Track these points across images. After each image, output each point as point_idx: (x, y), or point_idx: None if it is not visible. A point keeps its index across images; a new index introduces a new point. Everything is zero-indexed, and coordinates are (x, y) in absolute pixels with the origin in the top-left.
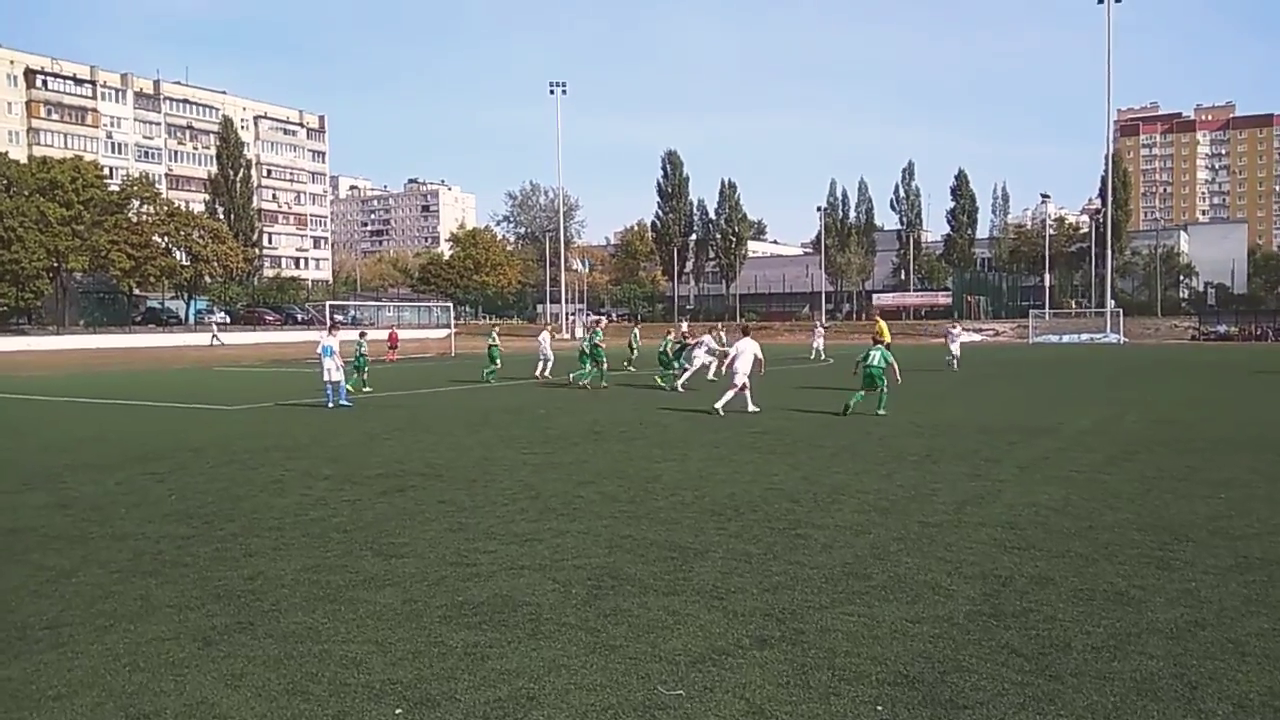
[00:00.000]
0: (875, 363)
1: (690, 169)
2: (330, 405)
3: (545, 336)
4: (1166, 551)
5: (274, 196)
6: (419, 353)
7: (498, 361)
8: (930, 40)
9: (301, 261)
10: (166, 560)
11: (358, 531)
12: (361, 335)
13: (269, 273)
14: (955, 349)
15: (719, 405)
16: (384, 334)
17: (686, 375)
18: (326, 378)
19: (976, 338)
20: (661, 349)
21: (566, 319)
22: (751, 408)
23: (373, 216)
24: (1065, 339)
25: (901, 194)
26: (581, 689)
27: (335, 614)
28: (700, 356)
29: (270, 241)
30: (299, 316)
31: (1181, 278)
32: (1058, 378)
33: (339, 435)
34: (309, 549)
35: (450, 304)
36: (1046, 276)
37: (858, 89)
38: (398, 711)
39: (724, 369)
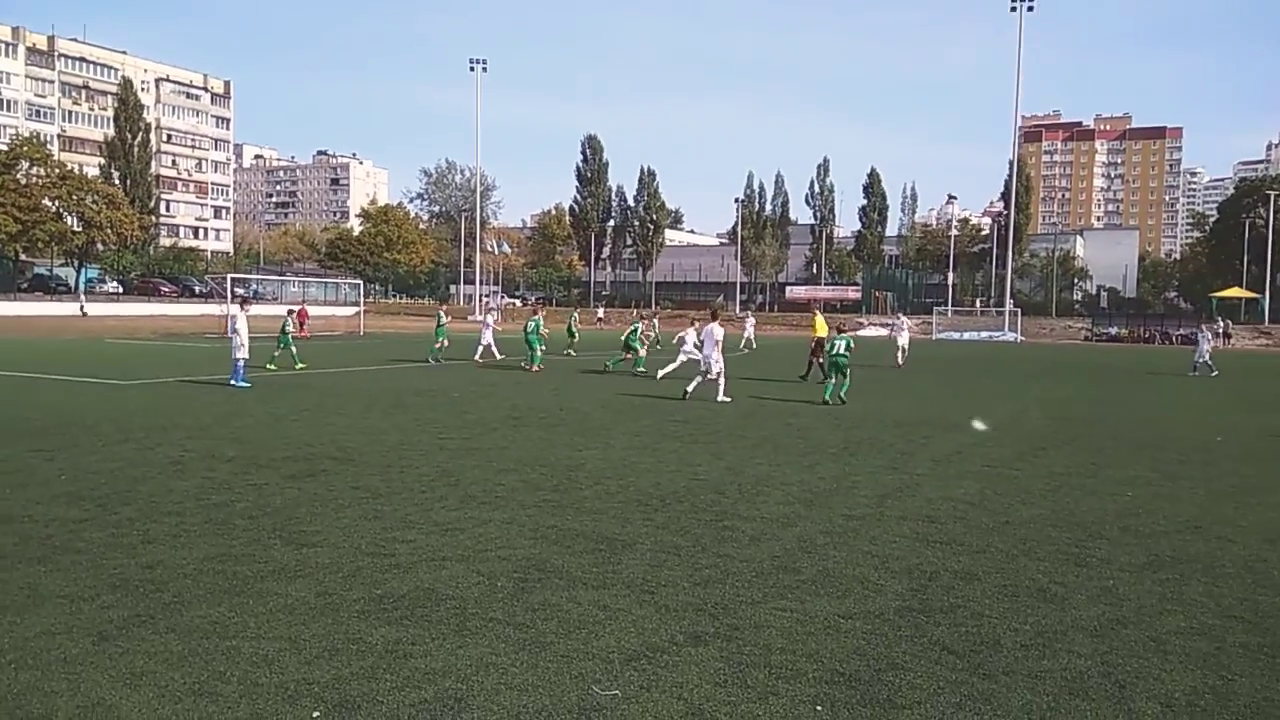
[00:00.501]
0: (840, 351)
1: (610, 155)
2: (235, 383)
3: (490, 319)
4: (1082, 548)
5: (174, 163)
6: (326, 331)
7: (444, 339)
8: (848, 42)
9: (201, 231)
10: (56, 546)
11: (265, 518)
12: (290, 313)
13: (166, 242)
14: (904, 341)
15: (696, 391)
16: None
17: (672, 368)
18: (234, 354)
19: (884, 332)
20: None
21: (481, 301)
22: (722, 397)
23: (278, 188)
24: (966, 336)
25: (816, 189)
26: (512, 689)
27: (243, 607)
28: (688, 351)
29: (168, 210)
30: (197, 289)
31: (1076, 280)
32: (962, 374)
33: (243, 415)
34: (213, 536)
35: (360, 282)
36: (950, 275)
37: (777, 85)
38: (315, 715)
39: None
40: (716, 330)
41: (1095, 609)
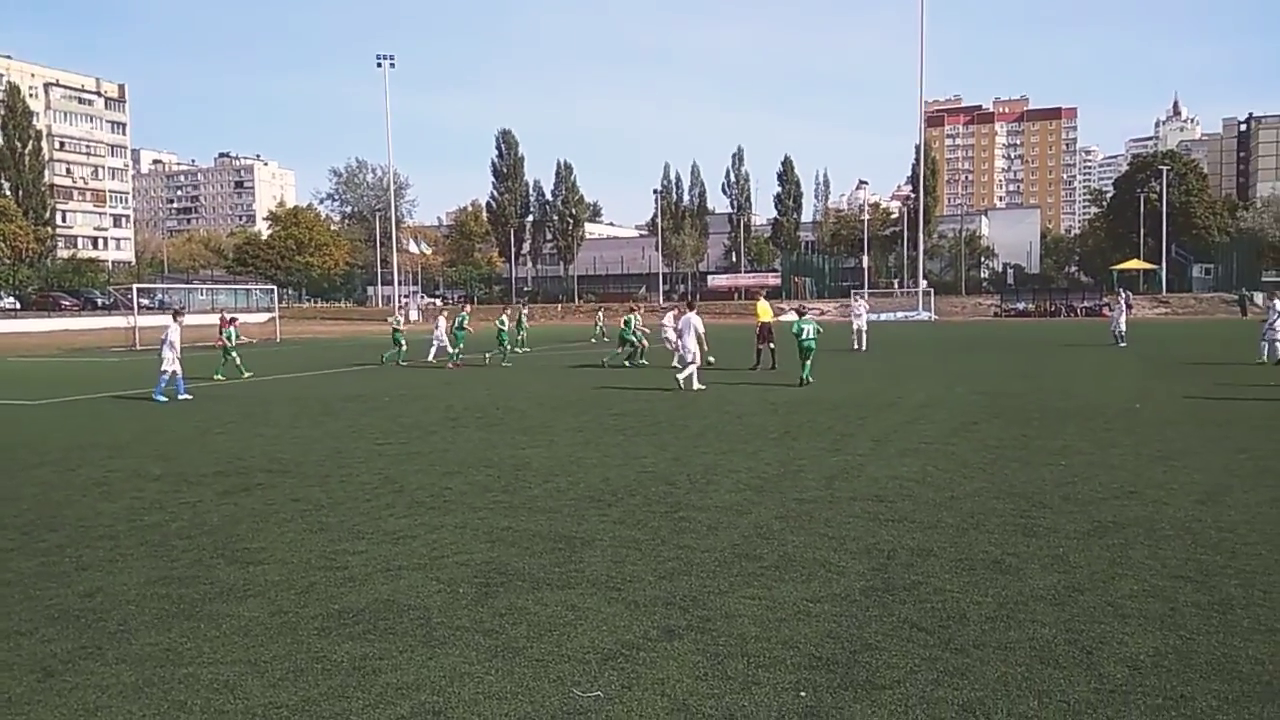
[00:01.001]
0: (809, 335)
1: (526, 149)
2: (160, 397)
3: (441, 321)
4: (1028, 519)
5: (68, 171)
6: (241, 339)
7: (403, 344)
8: (757, 32)
9: (100, 242)
10: None
11: (204, 537)
12: (232, 322)
13: (64, 254)
14: (861, 324)
15: (685, 383)
16: (252, 319)
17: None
18: (164, 368)
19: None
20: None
21: (399, 302)
22: (696, 385)
23: (180, 193)
24: (883, 317)
25: (733, 178)
26: (491, 698)
27: (195, 631)
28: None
29: (65, 220)
30: (99, 301)
31: (983, 259)
32: (885, 353)
33: (165, 430)
34: (151, 559)
35: (272, 287)
36: (865, 258)
37: (690, 76)
38: None
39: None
40: (695, 320)
41: (1050, 578)
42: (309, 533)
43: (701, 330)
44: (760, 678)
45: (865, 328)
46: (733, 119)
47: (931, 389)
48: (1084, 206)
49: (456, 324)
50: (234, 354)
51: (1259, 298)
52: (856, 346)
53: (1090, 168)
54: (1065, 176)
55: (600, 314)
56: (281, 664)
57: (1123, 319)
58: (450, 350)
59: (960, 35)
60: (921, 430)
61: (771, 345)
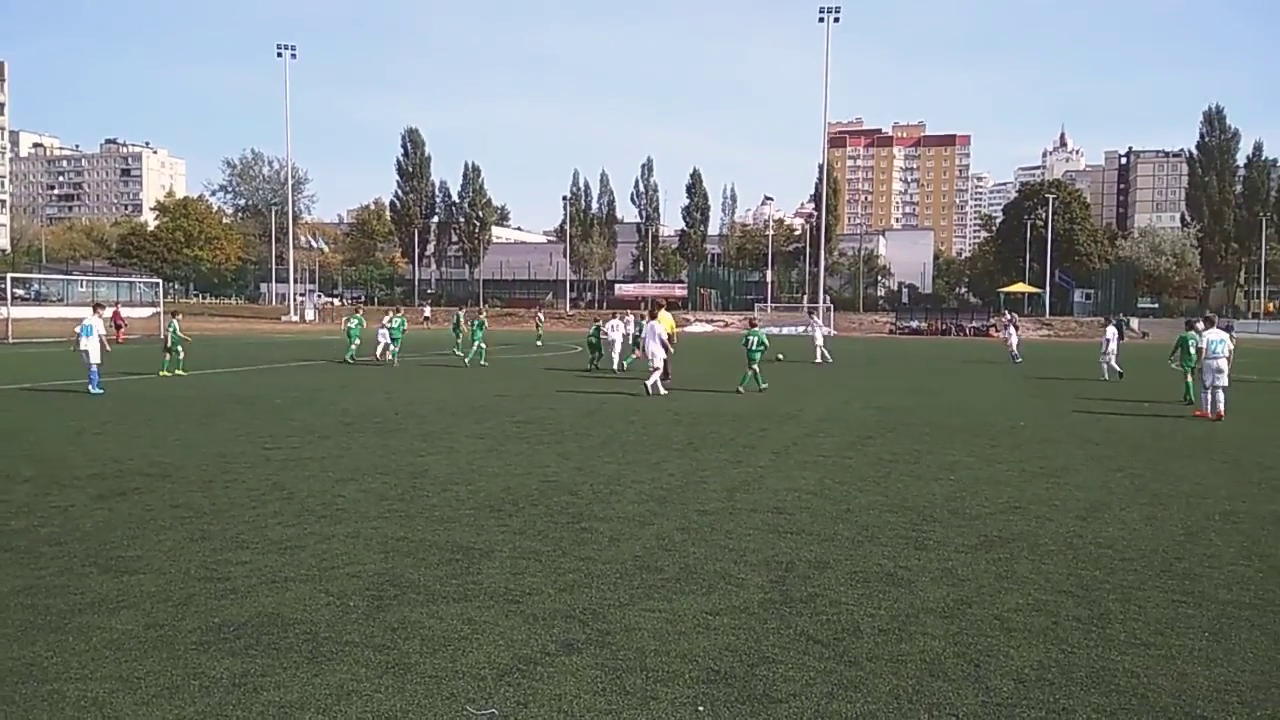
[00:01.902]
0: (754, 346)
1: (432, 150)
2: (95, 388)
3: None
4: (919, 532)
5: None
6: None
7: (356, 340)
8: (670, 44)
9: None
10: None
11: (74, 543)
12: (175, 315)
13: None
14: (819, 339)
15: (652, 389)
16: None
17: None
18: (92, 358)
19: (709, 328)
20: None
21: (295, 300)
22: (662, 390)
23: (61, 179)
24: (785, 330)
25: (641, 189)
26: (380, 717)
27: (62, 645)
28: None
29: None
30: None
31: (880, 278)
32: (785, 368)
33: (35, 430)
34: (17, 566)
35: (158, 281)
36: (769, 273)
37: (600, 84)
38: None
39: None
40: (658, 327)
41: (940, 590)
42: (189, 541)
43: (665, 335)
44: (658, 692)
45: (823, 343)
46: (643, 130)
47: (829, 403)
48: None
49: (476, 324)
50: (179, 349)
51: (1134, 323)
52: (820, 360)
53: (981, 193)
54: (958, 201)
55: (541, 316)
56: (155, 680)
57: (1014, 339)
58: (394, 350)
59: (864, 60)
60: (820, 443)
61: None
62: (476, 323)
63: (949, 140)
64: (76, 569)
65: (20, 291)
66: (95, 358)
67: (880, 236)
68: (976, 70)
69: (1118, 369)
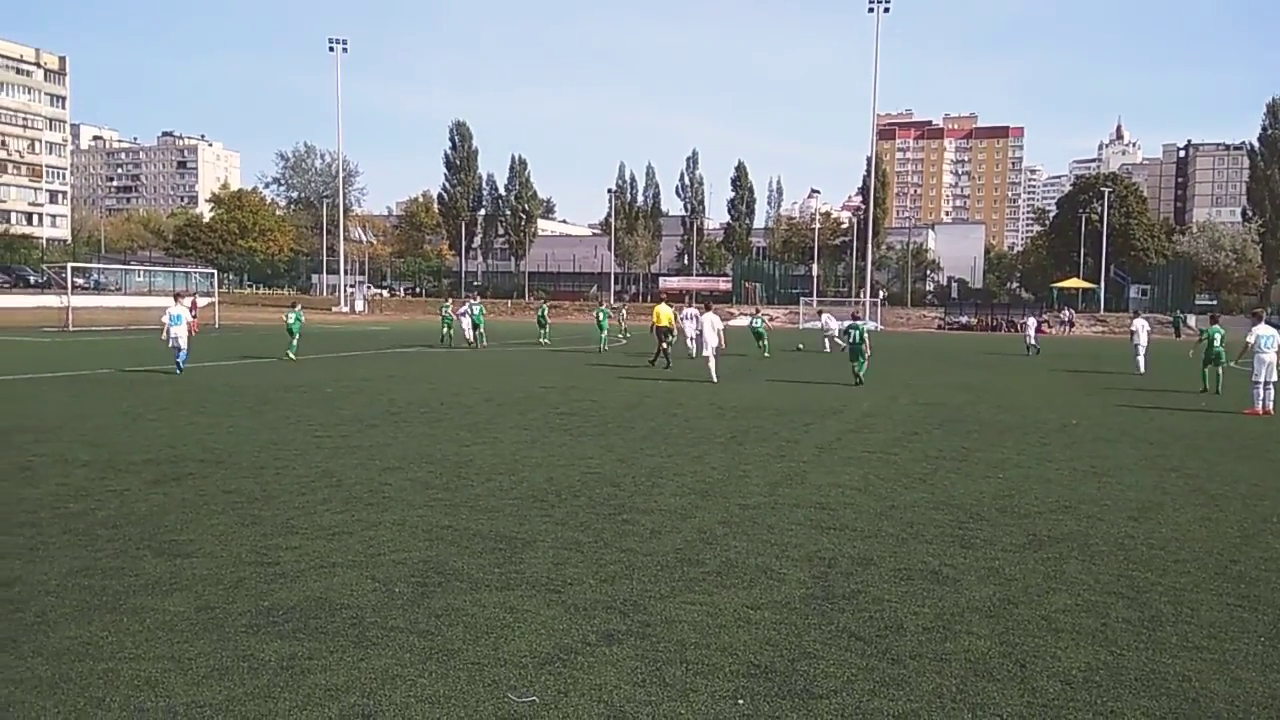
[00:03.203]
0: (858, 339)
1: (480, 143)
2: (180, 372)
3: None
4: (966, 530)
5: (3, 143)
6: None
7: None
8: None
9: (35, 218)
10: None
11: (130, 527)
12: (295, 305)
13: None
14: (834, 328)
15: (714, 377)
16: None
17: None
18: (174, 344)
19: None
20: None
21: (345, 292)
22: (714, 377)
23: (120, 171)
24: (840, 325)
25: (686, 181)
26: (423, 702)
27: (117, 625)
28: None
29: None
30: (32, 279)
31: (929, 272)
32: (832, 362)
33: (94, 415)
34: (74, 548)
35: (213, 271)
36: (815, 266)
37: (646, 78)
38: None
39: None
40: (714, 318)
41: (986, 589)
42: (240, 525)
43: (720, 326)
44: (698, 685)
45: (837, 335)
46: (689, 122)
47: (875, 399)
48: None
49: (539, 315)
50: (296, 334)
51: (1192, 320)
52: (829, 350)
53: (1034, 187)
54: (1010, 194)
55: (620, 308)
56: (206, 661)
57: (1034, 333)
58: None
59: (914, 51)
60: (865, 439)
61: (665, 346)
62: (541, 311)
63: (1002, 132)
64: (131, 551)
65: (80, 281)
66: (183, 343)
67: (930, 230)
68: (1031, 61)
69: (1141, 365)
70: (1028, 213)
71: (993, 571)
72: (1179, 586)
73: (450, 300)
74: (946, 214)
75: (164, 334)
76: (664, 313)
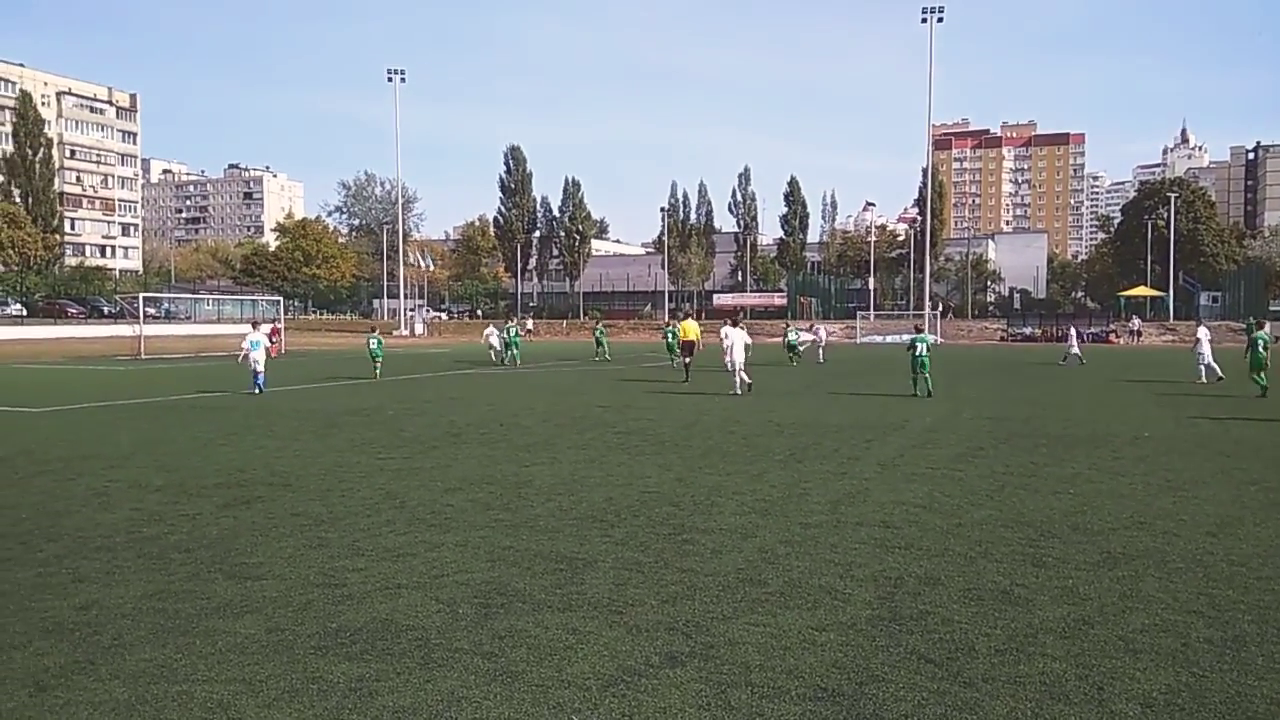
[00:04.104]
0: (922, 352)
1: (534, 165)
2: (256, 392)
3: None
4: (1037, 548)
5: (78, 179)
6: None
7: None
8: (765, 53)
9: (108, 250)
10: None
11: (202, 550)
12: (511, 320)
13: (71, 261)
14: (822, 338)
15: (736, 390)
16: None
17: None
18: (254, 367)
19: (808, 337)
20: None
21: (405, 315)
22: (736, 390)
23: (189, 203)
24: (889, 339)
25: (739, 198)
26: None
27: (189, 648)
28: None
29: (73, 228)
30: (106, 309)
31: (989, 283)
32: (891, 376)
33: (167, 441)
34: (148, 572)
35: (279, 298)
36: (871, 280)
37: (696, 96)
38: None
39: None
40: (741, 334)
41: (1060, 610)
42: (308, 548)
43: (747, 340)
44: (764, 709)
45: (823, 344)
46: (740, 138)
47: (938, 413)
48: (1091, 232)
49: (597, 334)
50: (379, 359)
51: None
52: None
53: (1098, 193)
54: (1073, 202)
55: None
56: (277, 683)
57: (1076, 344)
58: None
59: (969, 59)
60: (928, 455)
61: (687, 360)
62: (598, 330)
63: (1062, 139)
64: (203, 574)
65: (151, 310)
66: (261, 366)
67: (989, 240)
68: (1090, 66)
69: (1216, 370)
70: (1091, 220)
71: (1066, 591)
72: (1263, 604)
73: (513, 320)
74: (1007, 223)
75: (242, 358)
76: (690, 328)
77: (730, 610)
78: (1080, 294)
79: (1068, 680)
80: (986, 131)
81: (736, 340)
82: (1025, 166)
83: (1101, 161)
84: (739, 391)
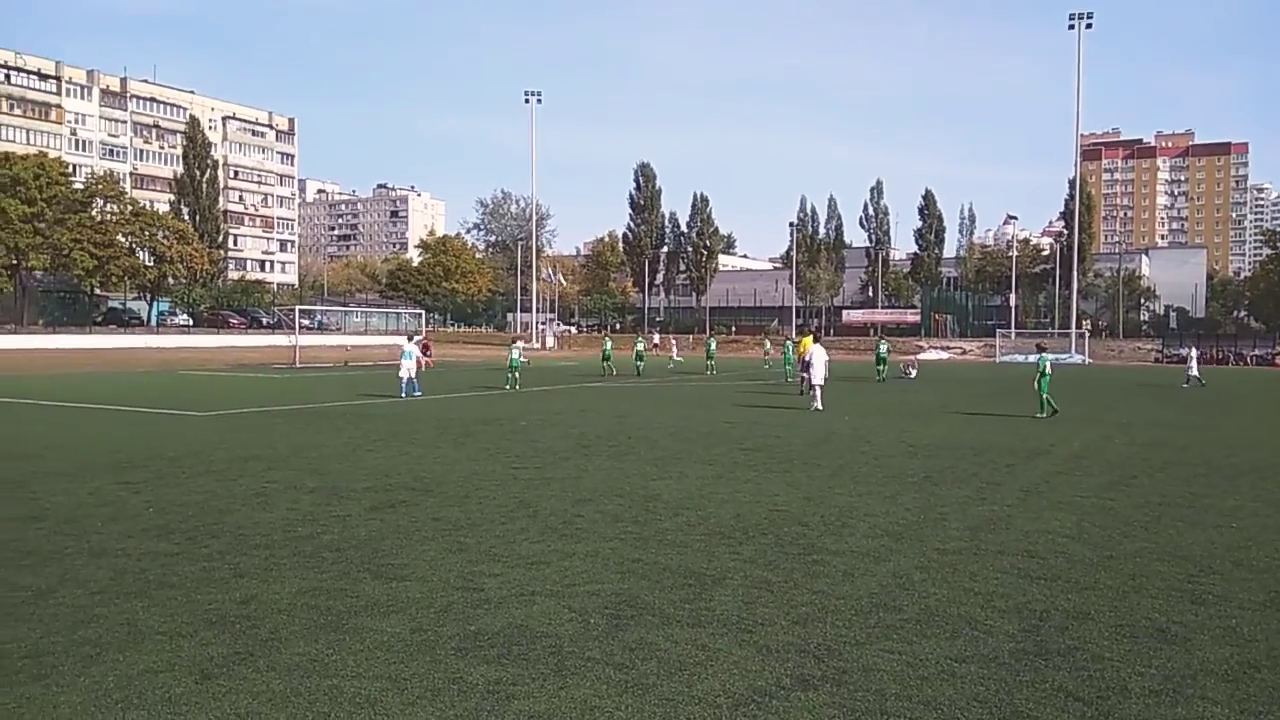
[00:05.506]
0: (1046, 370)
1: (662, 181)
2: (405, 396)
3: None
4: (1196, 584)
5: (240, 198)
6: (389, 360)
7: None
8: (899, 62)
9: (267, 264)
10: (151, 580)
11: (352, 550)
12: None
13: (234, 275)
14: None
15: (817, 406)
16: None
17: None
18: (403, 374)
19: (944, 355)
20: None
21: (537, 329)
22: (817, 405)
23: (340, 221)
24: (1031, 359)
25: (870, 212)
26: None
27: (340, 644)
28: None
29: (235, 243)
30: (264, 320)
31: (1143, 301)
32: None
33: (318, 446)
34: (302, 569)
35: (420, 311)
36: (1012, 296)
37: (827, 109)
38: None
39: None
40: (820, 351)
41: (1222, 650)
42: (448, 552)
43: (826, 358)
44: None
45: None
46: (872, 151)
47: (1086, 437)
48: (1256, 247)
49: (708, 349)
50: (518, 369)
51: None
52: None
53: (1262, 206)
54: (1235, 215)
55: (768, 342)
56: (420, 682)
57: (1194, 365)
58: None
59: (1119, 65)
60: (1075, 482)
61: (804, 375)
62: (709, 345)
63: (1222, 148)
64: (353, 574)
65: (305, 321)
66: (412, 374)
67: (1143, 256)
68: (1252, 69)
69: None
70: (1256, 235)
71: (1229, 631)
72: None
73: (641, 335)
74: (1161, 238)
75: (401, 370)
76: (809, 345)
77: (863, 636)
78: (1243, 313)
79: None
80: (1139, 141)
81: (817, 358)
82: (1182, 178)
83: (1267, 172)
84: (819, 407)
